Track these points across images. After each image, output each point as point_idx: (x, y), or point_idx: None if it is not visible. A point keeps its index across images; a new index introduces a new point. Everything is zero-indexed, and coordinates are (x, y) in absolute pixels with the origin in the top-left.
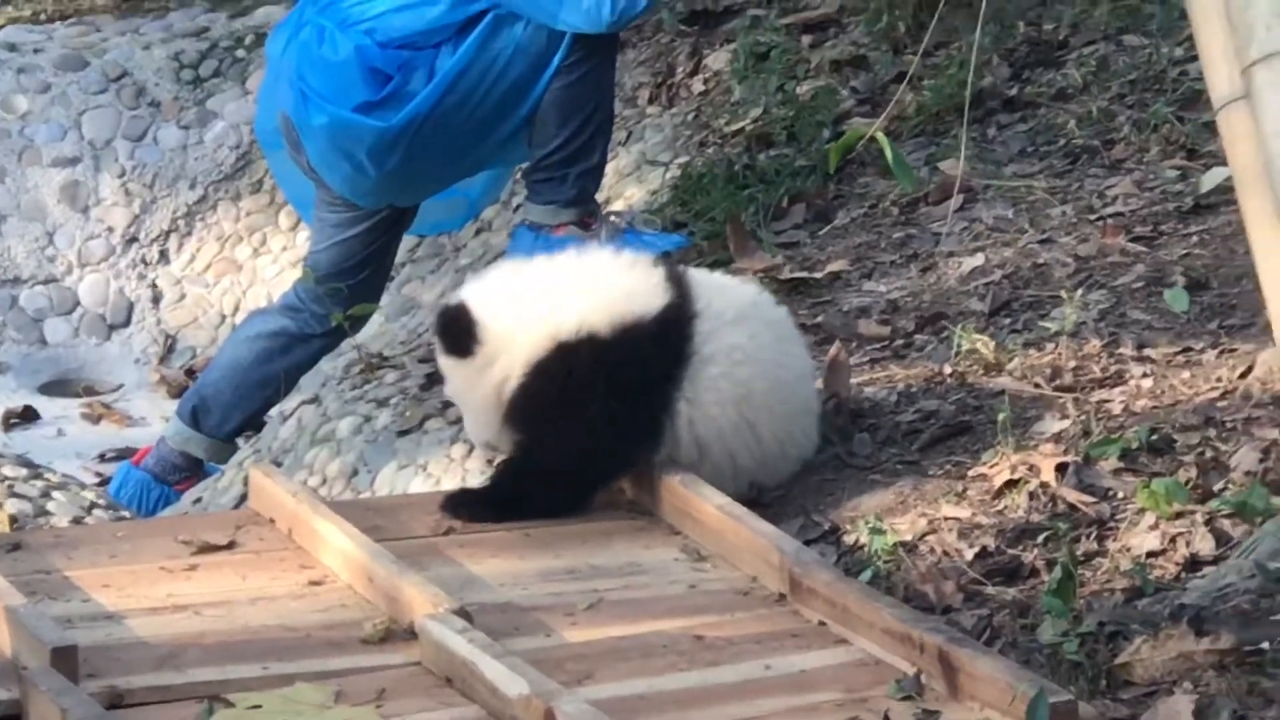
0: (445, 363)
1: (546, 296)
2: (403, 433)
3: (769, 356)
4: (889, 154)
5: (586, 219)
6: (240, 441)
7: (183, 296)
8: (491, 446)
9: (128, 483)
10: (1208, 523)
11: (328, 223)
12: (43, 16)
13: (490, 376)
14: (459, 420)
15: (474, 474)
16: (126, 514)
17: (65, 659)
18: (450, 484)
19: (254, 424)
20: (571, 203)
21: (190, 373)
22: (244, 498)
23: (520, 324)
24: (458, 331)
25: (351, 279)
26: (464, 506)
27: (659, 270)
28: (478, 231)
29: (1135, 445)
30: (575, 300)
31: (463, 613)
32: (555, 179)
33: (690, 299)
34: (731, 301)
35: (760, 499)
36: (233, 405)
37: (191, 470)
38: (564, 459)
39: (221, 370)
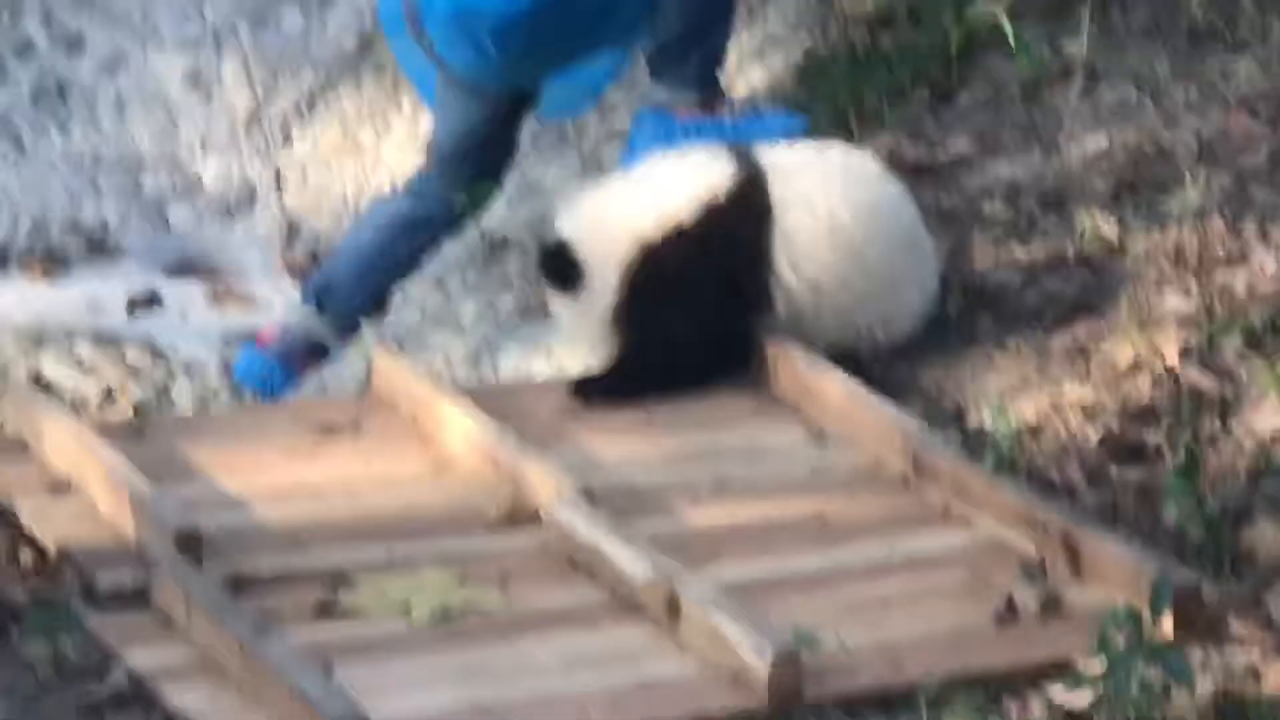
0: (556, 298)
1: (625, 208)
2: (525, 315)
3: (844, 190)
4: (1010, 35)
5: (710, 100)
6: (364, 325)
7: (306, 180)
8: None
9: (253, 365)
10: None
11: (450, 105)
12: None
13: (596, 300)
14: None
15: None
16: (251, 397)
17: (189, 544)
18: (574, 368)
19: (379, 307)
20: (694, 83)
21: (314, 256)
22: (368, 380)
23: (610, 242)
24: (563, 269)
25: (474, 162)
26: (590, 390)
27: (722, 153)
28: (600, 114)
29: (1258, 326)
30: (649, 201)
31: (588, 494)
32: (677, 59)
33: (756, 165)
34: (797, 157)
35: (886, 376)
36: (356, 289)
37: (315, 354)
38: (674, 339)
39: (346, 254)
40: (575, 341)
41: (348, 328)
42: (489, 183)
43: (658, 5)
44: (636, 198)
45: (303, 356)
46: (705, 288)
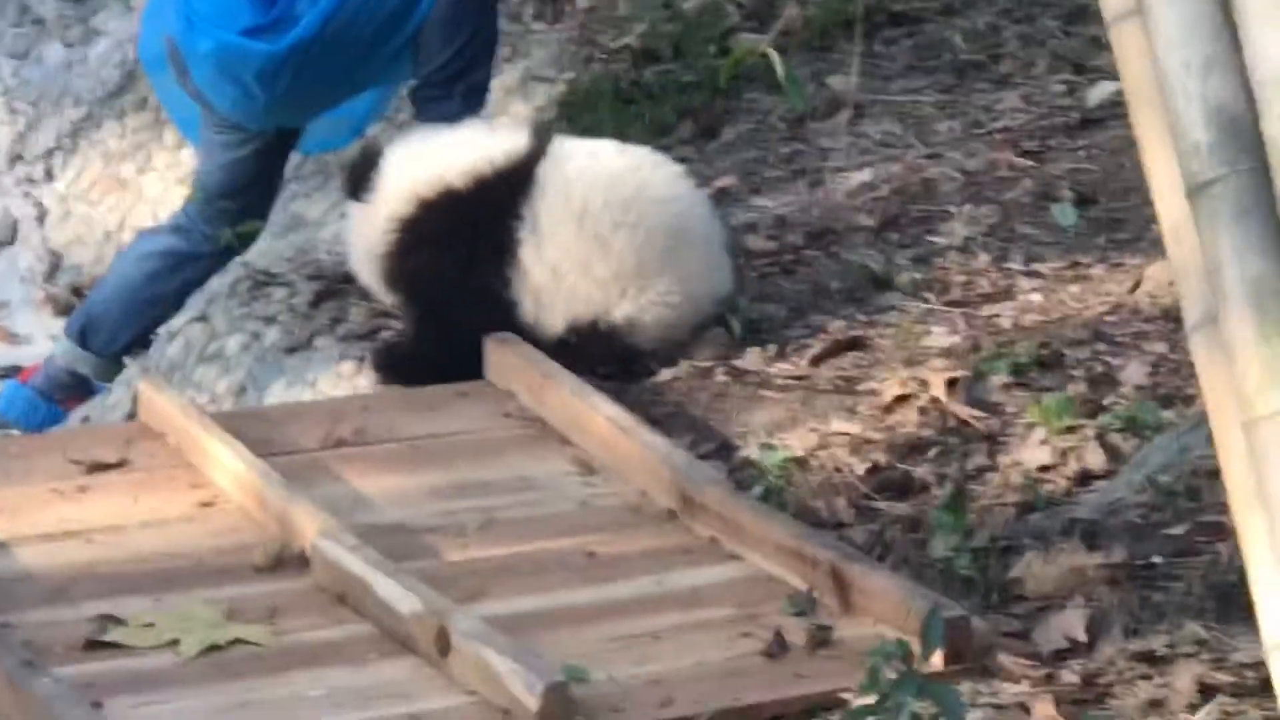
0: (350, 201)
1: (424, 156)
2: (291, 350)
3: (610, 176)
4: (780, 70)
5: None
6: (128, 360)
7: (68, 214)
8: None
9: (15, 401)
10: (1098, 437)
11: (215, 144)
12: None
13: (374, 225)
14: (347, 337)
15: (362, 389)
16: (15, 432)
17: None
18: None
19: (142, 342)
20: (457, 119)
21: (76, 291)
22: (133, 415)
23: (401, 180)
24: (359, 175)
25: (240, 199)
26: (385, 363)
27: (528, 130)
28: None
29: (1025, 360)
30: (441, 157)
31: (355, 530)
32: (441, 96)
33: (544, 146)
34: (580, 145)
35: (653, 406)
36: (121, 324)
37: (79, 389)
38: (435, 300)
39: (110, 289)
40: (353, 258)
41: (112, 363)
42: (255, 220)
43: (420, 42)
44: (435, 152)
45: (67, 391)
46: (457, 253)
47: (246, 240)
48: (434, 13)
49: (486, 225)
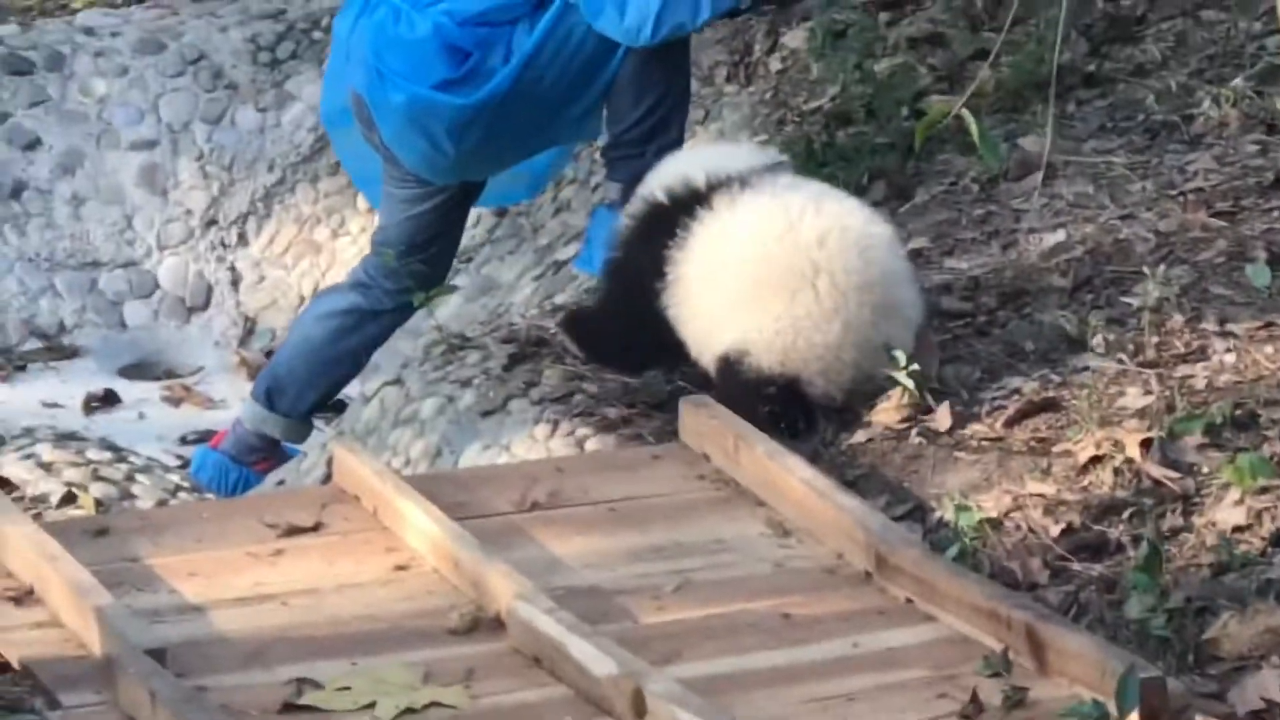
0: None
1: (673, 163)
2: (486, 413)
3: (754, 229)
4: (975, 131)
5: None
6: (319, 422)
7: (262, 279)
8: None
9: (206, 465)
10: None
11: (397, 199)
12: (119, 1)
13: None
14: (542, 400)
15: (557, 452)
16: (210, 496)
17: (153, 659)
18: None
19: (328, 402)
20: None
21: (269, 354)
22: (328, 478)
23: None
24: None
25: (422, 254)
26: (570, 327)
27: (724, 162)
28: (557, 211)
29: (1219, 420)
30: (665, 169)
31: (550, 593)
32: (634, 155)
33: (718, 183)
34: (771, 189)
35: (847, 468)
36: (306, 384)
37: (269, 451)
38: (608, 308)
39: (294, 349)
40: None
41: (300, 423)
42: (436, 274)
43: (611, 100)
44: (680, 160)
45: (257, 454)
46: (629, 277)
47: (437, 303)
48: (624, 71)
49: (661, 240)
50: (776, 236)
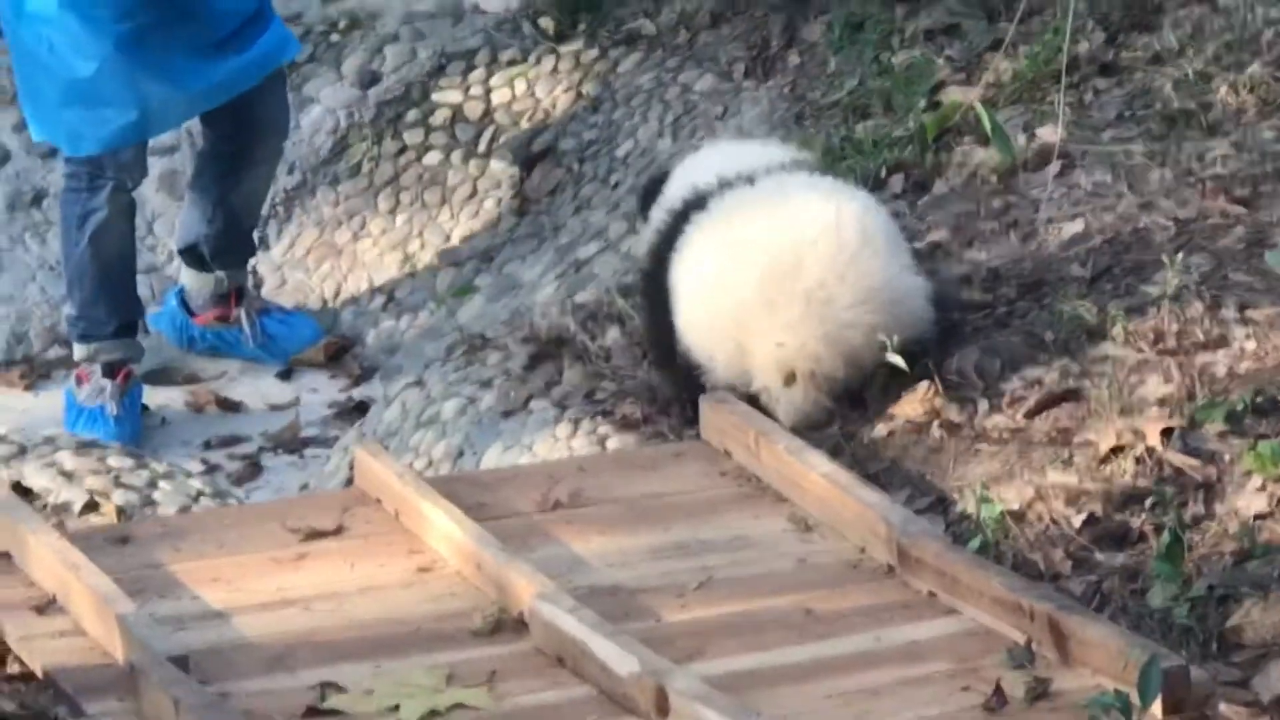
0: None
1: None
2: (507, 413)
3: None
4: (987, 123)
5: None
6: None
7: (283, 282)
8: None
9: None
10: None
11: None
12: None
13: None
14: (563, 400)
15: (578, 451)
16: (233, 500)
17: (177, 665)
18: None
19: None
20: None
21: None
22: (350, 481)
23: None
24: (648, 197)
25: None
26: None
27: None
28: (577, 209)
29: (1240, 408)
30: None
31: (572, 592)
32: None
33: (710, 192)
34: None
35: (868, 461)
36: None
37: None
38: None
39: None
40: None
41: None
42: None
43: None
44: (692, 168)
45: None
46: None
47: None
48: None
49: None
50: (758, 240)
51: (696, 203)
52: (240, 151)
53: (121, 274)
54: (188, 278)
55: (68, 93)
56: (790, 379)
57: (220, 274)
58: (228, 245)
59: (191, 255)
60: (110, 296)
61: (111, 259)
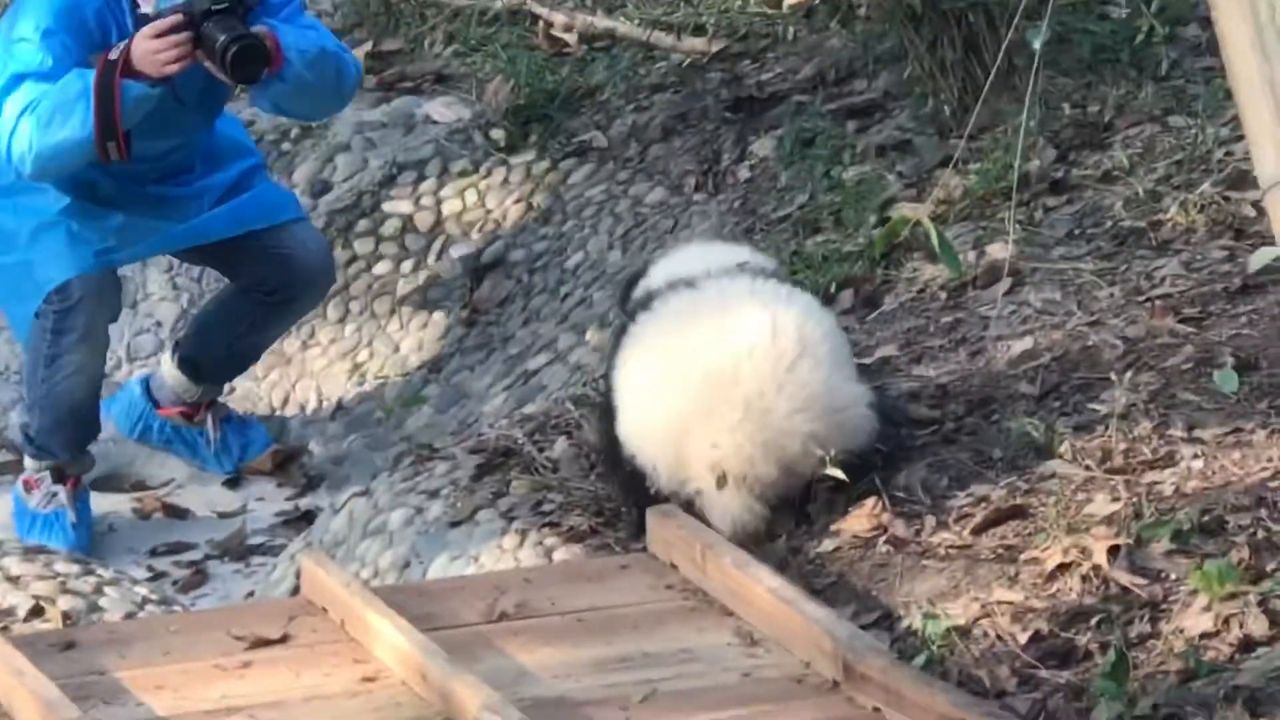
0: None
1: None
2: (454, 524)
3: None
4: (935, 240)
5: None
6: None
7: (232, 390)
8: None
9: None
10: (1261, 603)
11: None
12: None
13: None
14: (510, 511)
15: (525, 562)
16: (178, 607)
17: None
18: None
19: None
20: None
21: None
22: (296, 590)
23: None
24: (625, 288)
25: None
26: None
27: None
28: (526, 321)
29: (1187, 527)
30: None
31: (518, 705)
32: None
33: (654, 295)
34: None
35: (812, 580)
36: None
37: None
38: None
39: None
40: None
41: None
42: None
43: None
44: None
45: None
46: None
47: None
48: None
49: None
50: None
51: (644, 303)
52: (285, 302)
53: (86, 410)
54: (170, 376)
55: (35, 233)
56: (722, 481)
57: (207, 386)
58: (229, 371)
59: (189, 365)
60: (72, 428)
61: (78, 402)
